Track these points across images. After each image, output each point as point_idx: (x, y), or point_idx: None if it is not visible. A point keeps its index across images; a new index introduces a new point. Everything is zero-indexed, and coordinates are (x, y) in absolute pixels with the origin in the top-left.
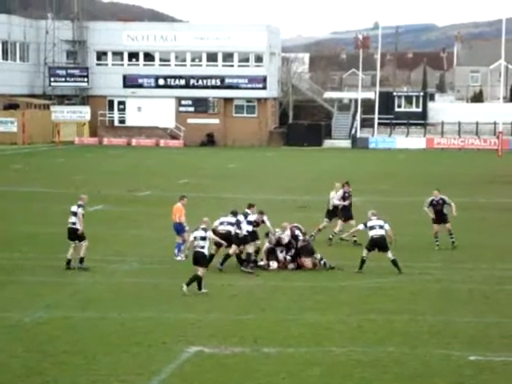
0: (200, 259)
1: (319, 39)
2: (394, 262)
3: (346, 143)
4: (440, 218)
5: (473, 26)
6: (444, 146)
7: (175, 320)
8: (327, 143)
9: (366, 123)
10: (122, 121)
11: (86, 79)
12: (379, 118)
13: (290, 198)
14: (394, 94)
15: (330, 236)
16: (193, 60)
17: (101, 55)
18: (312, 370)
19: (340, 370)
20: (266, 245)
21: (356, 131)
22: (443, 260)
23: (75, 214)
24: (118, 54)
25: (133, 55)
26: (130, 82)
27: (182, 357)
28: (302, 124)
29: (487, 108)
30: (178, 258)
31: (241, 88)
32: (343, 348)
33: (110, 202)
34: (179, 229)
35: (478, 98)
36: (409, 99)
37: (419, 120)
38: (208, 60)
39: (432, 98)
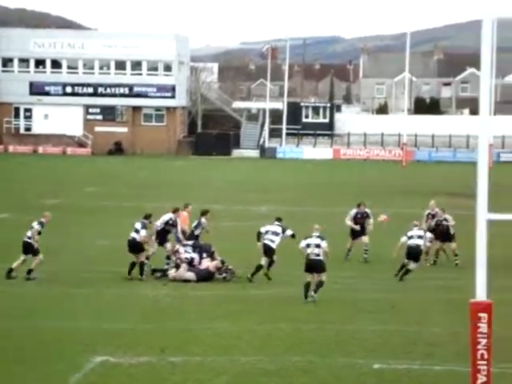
0: None
1: (228, 49)
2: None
3: (255, 153)
4: (360, 231)
5: (378, 39)
6: (350, 156)
7: (80, 329)
8: (236, 153)
9: (274, 133)
10: (28, 128)
11: None
12: (287, 129)
13: (198, 207)
14: (302, 104)
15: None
16: (101, 68)
17: (7, 62)
18: (219, 378)
19: (246, 379)
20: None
21: (264, 141)
22: (352, 269)
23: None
24: (24, 61)
25: (40, 62)
26: (36, 89)
27: (88, 366)
28: (211, 133)
29: (392, 119)
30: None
31: (149, 97)
32: (250, 357)
33: (17, 210)
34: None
35: (383, 109)
36: (316, 110)
37: (326, 131)
38: (116, 68)
39: (339, 109)
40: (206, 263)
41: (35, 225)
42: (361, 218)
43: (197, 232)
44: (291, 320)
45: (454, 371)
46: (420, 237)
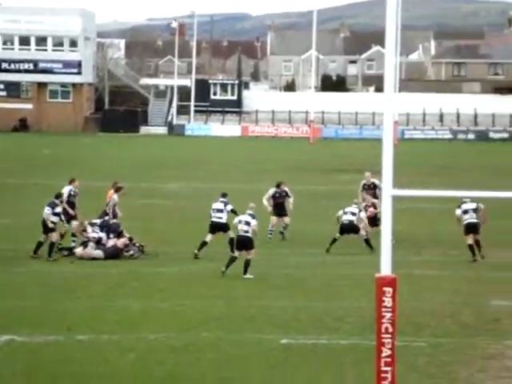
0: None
1: (135, 25)
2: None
3: (163, 130)
4: (279, 210)
5: (285, 17)
6: (258, 133)
7: None
8: (144, 130)
9: (183, 110)
10: None
11: None
12: (195, 106)
13: (105, 185)
14: (210, 81)
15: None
16: (4, 43)
17: None
18: (126, 356)
19: (154, 355)
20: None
21: (172, 118)
22: (262, 246)
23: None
24: None
25: None
26: None
27: None
28: (118, 110)
29: (299, 97)
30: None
31: (55, 73)
32: (158, 334)
33: None
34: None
35: (290, 87)
36: (224, 87)
37: (234, 108)
38: (20, 43)
39: (247, 86)
40: (113, 241)
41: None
42: (279, 198)
43: (108, 209)
44: (199, 297)
45: (360, 345)
46: (353, 213)
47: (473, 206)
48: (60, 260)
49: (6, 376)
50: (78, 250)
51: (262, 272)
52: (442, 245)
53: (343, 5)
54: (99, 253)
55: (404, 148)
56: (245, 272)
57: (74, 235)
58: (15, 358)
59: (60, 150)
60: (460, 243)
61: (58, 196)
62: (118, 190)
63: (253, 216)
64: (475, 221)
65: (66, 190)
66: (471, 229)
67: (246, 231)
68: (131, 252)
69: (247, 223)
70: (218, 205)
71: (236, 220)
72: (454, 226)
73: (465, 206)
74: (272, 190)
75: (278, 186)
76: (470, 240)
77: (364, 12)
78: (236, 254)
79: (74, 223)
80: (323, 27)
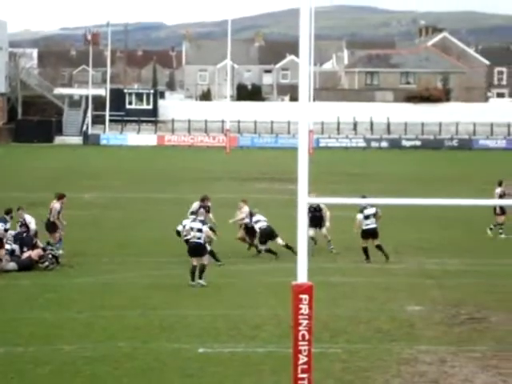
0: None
1: (48, 34)
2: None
3: (78, 139)
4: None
5: (200, 26)
6: (175, 143)
7: None
8: (58, 140)
9: (98, 120)
10: None
11: None
12: (110, 115)
13: (21, 196)
14: (125, 91)
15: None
16: None
17: None
18: (42, 368)
19: (70, 367)
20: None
21: (87, 128)
22: (179, 257)
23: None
24: None
25: None
26: None
27: None
28: (32, 120)
29: (215, 106)
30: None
31: None
32: (74, 345)
33: None
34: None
35: (206, 96)
36: (139, 96)
37: (150, 117)
38: None
39: (162, 95)
40: (28, 253)
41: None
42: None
43: (51, 218)
44: (113, 307)
45: (277, 352)
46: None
47: (373, 210)
48: None
49: None
50: None
51: (177, 281)
52: (356, 252)
53: (257, 14)
54: (13, 265)
55: (319, 156)
56: (200, 277)
57: None
58: None
59: None
60: (374, 250)
61: (8, 212)
62: (60, 197)
63: (204, 222)
64: (375, 226)
65: None
66: (371, 234)
67: (199, 238)
68: (46, 263)
69: (199, 230)
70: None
71: (187, 227)
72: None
73: (366, 212)
74: (196, 204)
75: (203, 200)
76: (365, 244)
77: (278, 22)
78: (194, 262)
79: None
80: (238, 36)
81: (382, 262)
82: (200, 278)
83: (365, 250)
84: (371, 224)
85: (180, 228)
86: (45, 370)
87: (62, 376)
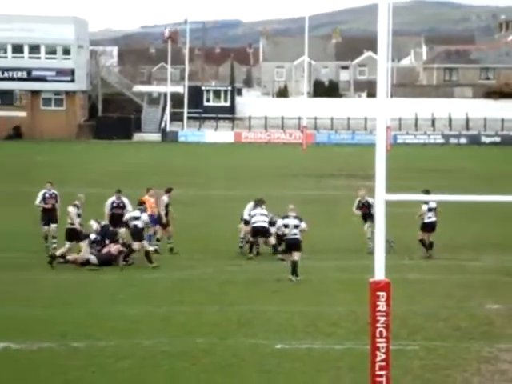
0: None
1: (128, 33)
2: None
3: (156, 137)
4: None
5: (277, 23)
6: (251, 139)
7: None
8: (137, 136)
9: (176, 117)
10: None
11: None
12: (188, 112)
13: (98, 192)
14: (203, 88)
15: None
16: None
17: None
18: (122, 362)
19: (149, 362)
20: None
21: (166, 125)
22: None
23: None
24: None
25: None
26: None
27: None
28: (112, 117)
29: (292, 103)
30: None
31: (48, 80)
32: (153, 340)
33: None
34: (152, 220)
35: (283, 93)
36: (217, 93)
37: (227, 114)
38: (14, 52)
39: (239, 92)
40: (108, 248)
41: (71, 209)
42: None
43: (161, 210)
44: (191, 303)
45: (354, 349)
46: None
47: (435, 205)
48: (56, 267)
49: (0, 383)
50: (71, 255)
51: (254, 277)
52: (434, 249)
53: (335, 11)
54: (93, 258)
55: (396, 153)
56: (293, 273)
57: (54, 237)
58: (10, 365)
59: (53, 157)
60: (451, 247)
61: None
62: (168, 191)
63: (300, 219)
64: (435, 220)
65: (108, 202)
66: (431, 228)
67: (295, 234)
68: (130, 261)
69: (296, 226)
70: (260, 210)
71: (280, 223)
72: (445, 230)
73: (431, 205)
74: (250, 204)
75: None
76: (421, 236)
77: (356, 18)
78: (288, 256)
79: (53, 226)
80: (315, 33)
81: (442, 259)
82: (294, 273)
83: (423, 243)
84: (432, 217)
85: (246, 216)
86: (125, 364)
87: (141, 370)
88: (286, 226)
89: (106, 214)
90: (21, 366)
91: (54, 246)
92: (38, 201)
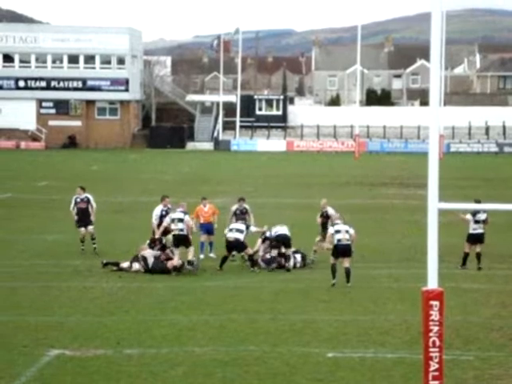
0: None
1: (181, 42)
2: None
3: (209, 145)
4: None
5: (330, 32)
6: (303, 148)
7: (35, 323)
8: (190, 145)
9: (228, 126)
10: None
11: None
12: (241, 121)
13: (152, 200)
14: (255, 97)
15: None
16: (54, 62)
17: None
18: (175, 370)
19: (202, 369)
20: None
21: (218, 134)
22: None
23: (182, 220)
24: None
25: None
26: None
27: (43, 360)
28: (165, 126)
29: (344, 111)
30: (202, 256)
31: (103, 90)
32: (205, 348)
33: None
34: (209, 228)
35: (335, 101)
36: (269, 102)
37: (279, 123)
38: (69, 62)
39: (292, 101)
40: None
41: (184, 216)
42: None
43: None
44: (244, 311)
45: (407, 358)
46: (347, 231)
47: (484, 216)
48: (107, 274)
49: None
50: (124, 265)
51: (305, 286)
52: (488, 258)
53: (387, 19)
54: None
55: (450, 161)
56: (348, 281)
57: (93, 238)
58: (65, 371)
59: (108, 166)
60: (506, 257)
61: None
62: (240, 200)
63: (349, 225)
64: (482, 231)
65: (157, 211)
66: (478, 239)
67: (348, 239)
68: (189, 268)
69: (347, 231)
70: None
71: (332, 230)
72: (498, 239)
73: (478, 216)
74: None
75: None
76: (468, 249)
77: (408, 26)
78: (333, 260)
79: (90, 228)
80: (367, 42)
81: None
82: (348, 280)
83: (465, 256)
84: (479, 229)
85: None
86: (178, 371)
87: (194, 378)
88: (337, 231)
89: (155, 224)
90: (75, 373)
91: (95, 246)
92: (71, 207)
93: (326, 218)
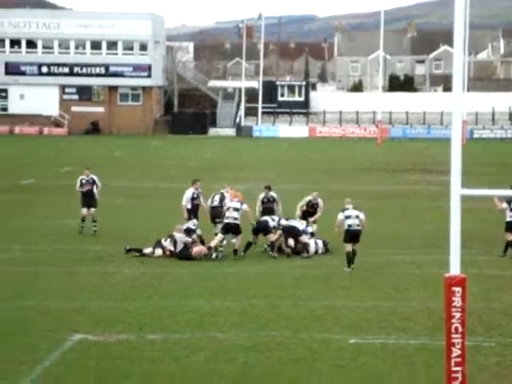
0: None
1: (203, 28)
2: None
3: (231, 131)
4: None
5: (352, 17)
6: (326, 134)
7: (58, 308)
8: (212, 131)
9: (250, 112)
10: (3, 108)
11: None
12: (263, 107)
13: (174, 186)
14: (277, 83)
15: None
16: (76, 48)
17: None
18: (197, 355)
19: (224, 354)
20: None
21: (240, 120)
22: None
23: (237, 209)
24: None
25: (15, 42)
26: (12, 69)
27: (66, 345)
28: (188, 112)
29: (367, 97)
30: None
31: (125, 76)
32: (227, 333)
33: None
34: None
35: (357, 87)
36: (291, 88)
37: (302, 109)
38: (92, 48)
39: (314, 87)
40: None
41: (234, 204)
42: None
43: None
44: (265, 297)
45: (429, 345)
46: (357, 216)
47: (355, 212)
48: (129, 260)
49: (79, 374)
50: (148, 251)
51: (326, 272)
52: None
53: (410, 5)
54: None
55: (473, 147)
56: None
57: (94, 221)
58: (88, 356)
59: (130, 152)
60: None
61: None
62: (268, 188)
63: (359, 210)
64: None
65: (188, 194)
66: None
67: (358, 224)
68: (214, 255)
69: (357, 216)
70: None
71: (342, 216)
72: None
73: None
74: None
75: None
76: (510, 237)
77: (431, 11)
78: (348, 247)
79: (92, 210)
80: (390, 27)
81: None
82: (352, 262)
83: (507, 244)
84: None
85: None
86: (200, 356)
87: (216, 363)
88: (347, 217)
89: (184, 206)
90: (98, 358)
91: (95, 229)
92: (77, 186)
93: (313, 208)
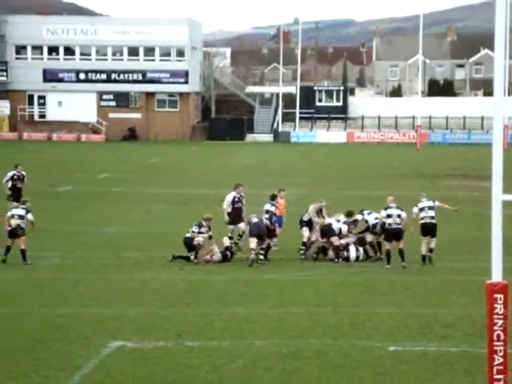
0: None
1: (240, 34)
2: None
3: (268, 137)
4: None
5: (390, 21)
6: (364, 139)
7: (97, 315)
8: (249, 137)
9: (288, 117)
10: (42, 115)
11: (5, 73)
12: (300, 113)
13: (212, 193)
14: (315, 88)
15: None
16: (114, 54)
17: (20, 49)
18: (235, 362)
19: (262, 362)
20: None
21: (278, 125)
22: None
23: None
24: (37, 48)
25: (53, 49)
26: (50, 76)
27: (105, 352)
28: (225, 118)
29: (406, 102)
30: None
31: (162, 82)
32: (265, 340)
33: (30, 196)
34: (280, 221)
35: (396, 92)
36: (329, 93)
37: (340, 114)
38: (129, 54)
39: (352, 92)
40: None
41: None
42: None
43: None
44: (304, 304)
45: (470, 352)
46: (399, 215)
47: (397, 211)
48: (169, 266)
49: (117, 381)
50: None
51: (367, 279)
52: None
53: (450, 8)
54: (219, 256)
55: None
56: (403, 259)
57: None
58: (126, 363)
59: (167, 158)
60: None
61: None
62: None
63: (401, 208)
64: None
65: (229, 197)
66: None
67: (399, 223)
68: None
69: (398, 216)
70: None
71: (383, 214)
72: None
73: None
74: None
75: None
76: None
77: (471, 15)
78: (388, 246)
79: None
80: (429, 31)
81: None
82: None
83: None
84: (427, 218)
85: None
86: (238, 364)
87: (254, 370)
88: (389, 216)
89: (225, 208)
90: (137, 364)
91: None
92: (4, 180)
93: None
